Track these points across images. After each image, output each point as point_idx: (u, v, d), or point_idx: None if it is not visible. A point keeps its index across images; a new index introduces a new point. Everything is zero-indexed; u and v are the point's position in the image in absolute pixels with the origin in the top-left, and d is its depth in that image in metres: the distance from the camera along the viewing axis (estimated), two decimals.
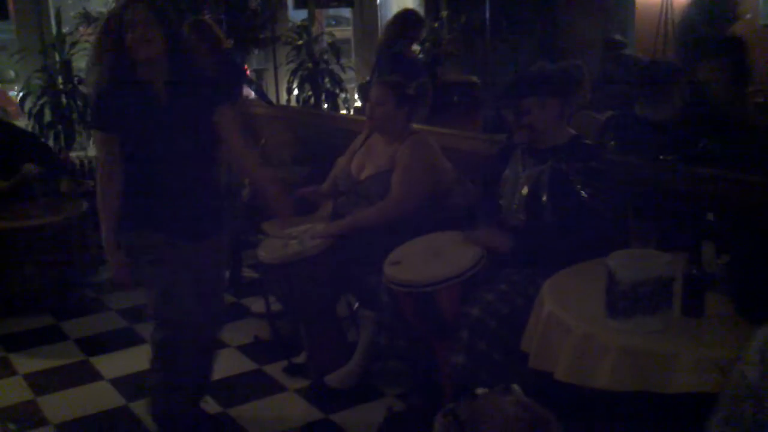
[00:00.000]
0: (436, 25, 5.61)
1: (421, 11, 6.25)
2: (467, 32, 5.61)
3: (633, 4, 6.06)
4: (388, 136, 3.76)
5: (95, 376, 4.01)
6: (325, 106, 6.55)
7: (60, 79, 6.64)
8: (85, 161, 6.34)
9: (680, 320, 2.33)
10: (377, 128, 3.79)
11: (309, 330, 3.76)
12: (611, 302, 2.35)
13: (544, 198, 3.08)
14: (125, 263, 3.06)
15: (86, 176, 5.97)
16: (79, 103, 6.62)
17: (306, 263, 3.48)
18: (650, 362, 2.17)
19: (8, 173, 5.11)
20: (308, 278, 3.49)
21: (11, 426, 3.53)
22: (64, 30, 6.70)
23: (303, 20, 6.71)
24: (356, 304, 3.87)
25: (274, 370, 3.91)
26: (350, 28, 7.54)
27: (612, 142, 3.59)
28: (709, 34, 4.76)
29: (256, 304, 4.39)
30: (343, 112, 6.45)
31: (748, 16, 5.71)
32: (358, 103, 6.57)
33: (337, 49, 6.59)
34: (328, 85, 6.53)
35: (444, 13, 5.72)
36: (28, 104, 6.63)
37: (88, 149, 6.62)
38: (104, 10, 6.46)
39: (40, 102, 6.59)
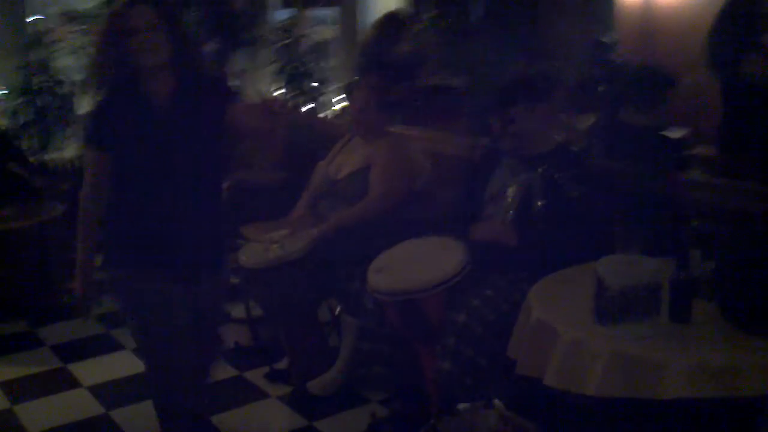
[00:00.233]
0: (419, 28, 5.57)
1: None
2: (451, 35, 5.58)
3: (613, 4, 6.05)
4: (367, 138, 3.77)
5: (73, 383, 3.94)
6: (308, 107, 6.52)
7: (37, 79, 6.54)
8: (61, 163, 6.24)
9: (668, 326, 2.31)
10: (359, 131, 3.79)
11: (291, 335, 3.71)
12: (600, 308, 2.33)
13: (538, 205, 3.05)
14: (91, 295, 2.75)
15: (64, 178, 5.87)
16: (56, 103, 6.52)
17: (288, 267, 3.44)
18: (640, 368, 2.14)
19: None
20: (290, 283, 3.45)
21: None
22: (44, 28, 6.59)
23: (288, 20, 6.67)
24: (338, 310, 3.83)
25: (256, 376, 3.87)
26: (331, 28, 7.51)
27: (596, 148, 3.57)
28: None
29: (236, 310, 4.34)
30: (326, 114, 6.41)
31: None
32: (341, 105, 6.53)
33: (321, 49, 6.56)
34: (311, 86, 6.49)
35: (427, 16, 5.68)
36: (4, 104, 6.52)
37: (64, 150, 6.52)
38: (88, 7, 6.35)
39: (16, 102, 6.49)
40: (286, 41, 6.57)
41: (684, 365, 2.10)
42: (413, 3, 6.02)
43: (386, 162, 3.63)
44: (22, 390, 3.88)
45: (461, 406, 2.46)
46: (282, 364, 3.83)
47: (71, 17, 6.51)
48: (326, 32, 7.50)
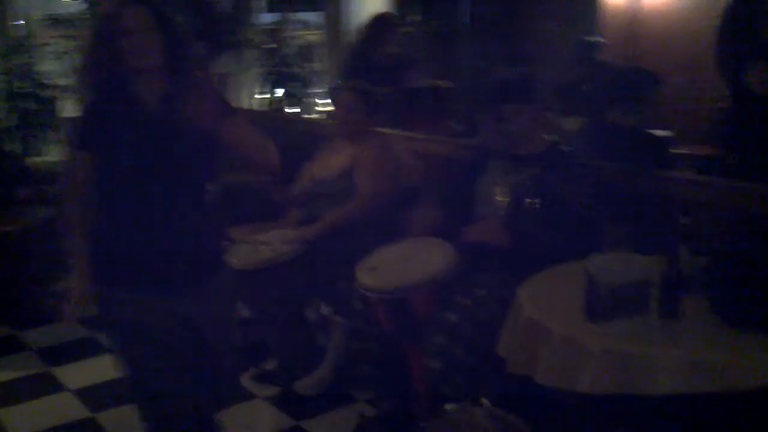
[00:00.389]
0: (405, 30, 5.58)
1: None
2: (438, 37, 5.59)
3: (597, 5, 6.07)
4: (353, 139, 3.80)
5: (58, 386, 3.91)
6: (295, 110, 6.51)
7: (20, 84, 6.49)
8: (44, 167, 6.19)
9: (659, 322, 2.31)
10: (346, 132, 3.80)
11: (278, 336, 3.70)
12: (591, 306, 2.33)
13: (528, 205, 3.05)
14: (84, 301, 2.51)
15: (47, 183, 5.82)
16: (38, 108, 6.47)
17: (279, 269, 3.43)
18: (633, 365, 2.14)
19: None
20: (279, 284, 3.44)
21: None
22: (27, 32, 6.55)
23: (273, 23, 6.66)
24: (326, 310, 3.81)
25: (243, 377, 3.84)
26: (316, 31, 7.51)
27: (584, 149, 3.58)
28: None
29: None
30: (313, 116, 6.40)
31: (713, 21, 5.77)
32: (327, 108, 6.53)
33: (307, 52, 6.56)
34: (298, 89, 6.48)
35: (413, 18, 5.70)
36: None
37: (47, 155, 6.47)
38: (71, 11, 6.31)
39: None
40: (272, 45, 6.56)
41: (675, 361, 2.11)
42: (399, 5, 6.03)
43: (373, 162, 3.64)
44: (6, 394, 3.84)
45: (449, 406, 2.45)
46: (269, 365, 3.81)
47: (54, 22, 6.47)
48: (311, 36, 7.50)
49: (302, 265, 3.48)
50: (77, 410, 3.66)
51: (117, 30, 2.36)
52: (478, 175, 3.26)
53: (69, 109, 5.49)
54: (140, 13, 2.38)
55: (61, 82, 6.44)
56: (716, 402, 2.08)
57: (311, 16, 7.46)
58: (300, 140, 4.95)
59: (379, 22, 5.28)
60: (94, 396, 3.75)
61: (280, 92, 6.55)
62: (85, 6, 5.92)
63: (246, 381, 3.79)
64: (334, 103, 4.00)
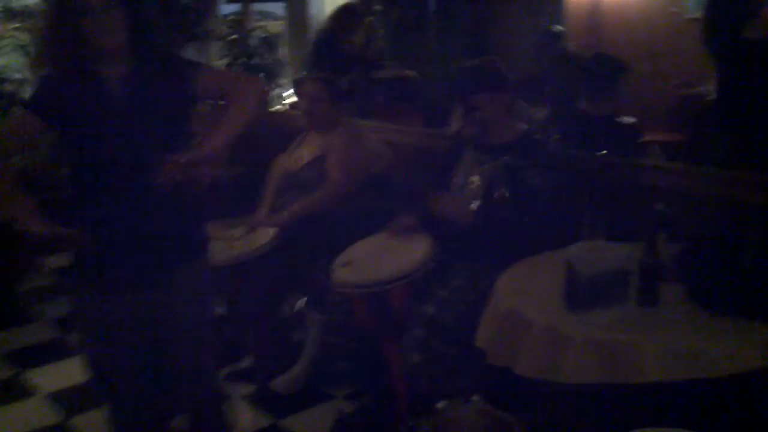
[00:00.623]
0: (371, 19, 5.55)
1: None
2: (403, 26, 5.56)
3: None
4: (323, 129, 3.79)
5: (30, 390, 3.83)
6: None
7: None
8: None
9: (638, 310, 2.33)
10: (313, 122, 3.79)
11: (254, 333, 3.67)
12: (571, 295, 2.35)
13: (501, 193, 3.05)
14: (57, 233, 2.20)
15: None
16: None
17: (254, 264, 3.40)
18: (615, 353, 2.16)
19: None
20: (255, 279, 3.41)
21: None
22: None
23: (235, 14, 6.58)
24: (302, 305, 3.79)
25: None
26: (279, 22, 7.44)
27: (556, 136, 3.59)
28: None
29: None
30: (278, 108, 6.32)
31: (674, 9, 5.82)
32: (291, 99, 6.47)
33: (271, 43, 6.49)
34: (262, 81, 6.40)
35: (379, 7, 5.65)
36: None
37: None
38: (29, 3, 6.16)
39: None
40: (235, 36, 6.47)
41: (656, 349, 2.13)
42: None
43: (342, 149, 3.66)
44: None
45: (440, 404, 2.45)
46: (244, 363, 3.78)
47: (11, 14, 6.31)
48: (274, 26, 7.42)
49: (276, 260, 3.46)
50: (51, 414, 3.59)
51: (78, 7, 2.22)
52: (454, 164, 3.26)
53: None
54: None
55: (19, 76, 6.28)
56: (698, 388, 2.09)
57: (273, 7, 7.39)
58: (264, 134, 4.92)
59: (344, 12, 5.25)
60: (68, 399, 3.68)
61: None
62: None
63: (221, 380, 3.75)
64: (300, 94, 3.98)
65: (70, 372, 3.89)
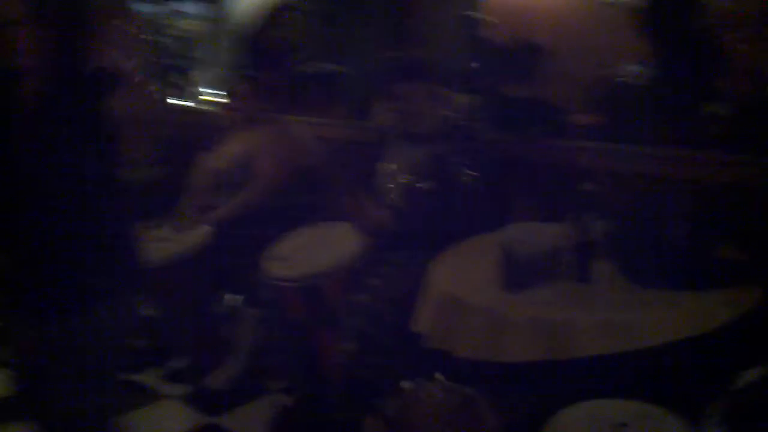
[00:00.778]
0: (292, 15, 5.52)
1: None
2: (326, 20, 5.55)
3: None
4: (251, 125, 3.77)
5: None
6: (177, 101, 6.32)
7: None
8: None
9: (573, 287, 2.39)
10: (241, 119, 3.76)
11: (187, 332, 3.61)
12: (508, 276, 2.38)
13: (426, 182, 3.08)
14: None
15: None
16: None
17: (183, 263, 3.34)
18: (551, 331, 2.20)
19: None
20: (187, 278, 3.36)
21: None
22: None
23: (154, 13, 6.45)
24: (233, 301, 3.74)
25: (151, 377, 3.72)
26: (194, 21, 7.33)
27: (481, 122, 3.64)
28: None
29: None
30: (202, 107, 6.23)
31: None
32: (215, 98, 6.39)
33: (188, 43, 6.39)
34: (180, 80, 6.30)
35: (299, 3, 5.62)
36: None
37: None
38: None
39: None
40: (154, 36, 6.34)
41: (592, 323, 2.18)
42: None
43: (269, 146, 3.65)
44: None
45: (405, 384, 2.46)
46: (178, 363, 3.71)
47: None
48: (190, 25, 7.31)
49: (206, 258, 3.41)
50: None
51: None
52: (380, 155, 3.28)
53: None
54: (15, 3, 2.03)
55: None
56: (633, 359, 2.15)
57: (188, 6, 7.27)
58: (193, 132, 4.84)
59: (268, 8, 5.20)
60: None
61: (164, 84, 6.35)
62: None
63: (154, 381, 3.68)
64: (227, 91, 3.94)
65: None
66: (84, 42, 2.32)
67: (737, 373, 1.87)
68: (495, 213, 2.95)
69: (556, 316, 2.22)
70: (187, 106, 6.18)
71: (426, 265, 2.74)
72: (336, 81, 4.95)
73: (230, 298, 3.72)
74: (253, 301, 3.39)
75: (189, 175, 3.90)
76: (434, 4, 5.60)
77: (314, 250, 3.05)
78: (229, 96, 3.83)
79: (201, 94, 6.50)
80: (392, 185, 3.19)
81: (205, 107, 6.02)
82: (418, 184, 3.11)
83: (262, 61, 4.58)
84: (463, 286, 2.52)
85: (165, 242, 3.42)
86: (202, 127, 4.61)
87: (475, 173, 3.02)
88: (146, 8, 6.79)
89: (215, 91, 6.26)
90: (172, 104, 6.19)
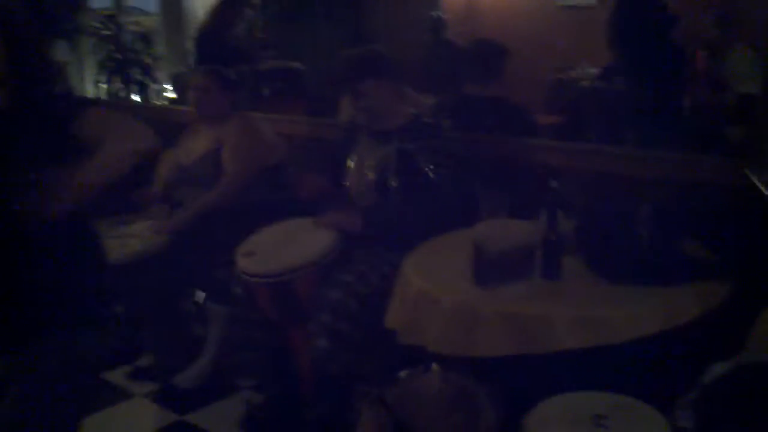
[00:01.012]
0: (251, 10, 5.49)
1: None
2: (284, 17, 5.54)
3: None
4: (214, 121, 3.73)
5: None
6: (137, 98, 6.26)
7: None
8: None
9: (544, 283, 2.43)
10: (203, 114, 3.74)
11: (154, 330, 3.59)
12: (479, 272, 2.42)
13: (393, 179, 3.10)
14: None
15: None
16: None
17: (149, 261, 3.31)
18: (524, 325, 2.25)
19: None
20: (153, 277, 3.33)
21: None
22: None
23: (108, 8, 6.37)
24: (201, 298, 3.73)
25: (117, 376, 3.69)
26: (153, 17, 7.27)
27: (446, 121, 3.67)
28: None
29: None
30: (158, 102, 6.19)
31: None
32: (172, 94, 6.34)
33: (146, 38, 6.32)
34: (139, 77, 6.24)
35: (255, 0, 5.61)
36: None
37: None
38: None
39: None
40: (109, 31, 6.26)
41: (563, 319, 2.23)
42: None
43: (237, 141, 3.62)
44: None
45: (402, 373, 2.47)
46: (145, 361, 3.68)
47: None
48: (148, 21, 7.24)
49: (173, 255, 3.38)
50: None
51: None
52: (347, 152, 3.29)
53: None
54: None
55: None
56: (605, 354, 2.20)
57: (146, 2, 7.21)
58: (155, 128, 4.80)
59: (223, 3, 5.18)
60: None
61: (121, 80, 6.28)
62: None
63: (121, 380, 3.65)
64: (189, 86, 3.90)
65: None
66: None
67: (706, 366, 1.93)
68: (462, 210, 2.98)
69: (526, 311, 2.27)
70: (149, 103, 6.13)
71: (396, 262, 2.77)
72: (295, 78, 4.95)
73: (199, 296, 3.71)
74: (220, 298, 3.37)
75: (149, 172, 3.86)
76: (396, 2, 5.65)
77: (287, 246, 3.05)
78: (192, 90, 3.78)
79: (162, 90, 6.46)
80: (363, 184, 3.20)
81: (165, 103, 5.98)
82: (381, 182, 3.13)
83: (221, 56, 4.55)
84: (435, 281, 2.54)
85: (130, 240, 3.39)
86: (161, 124, 4.57)
87: (441, 170, 3.04)
88: (101, 2, 6.73)
89: (174, 87, 6.23)
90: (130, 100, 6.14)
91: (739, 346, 2.00)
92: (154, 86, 6.40)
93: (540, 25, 5.91)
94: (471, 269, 2.45)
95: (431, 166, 3.05)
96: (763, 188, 2.38)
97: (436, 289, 2.49)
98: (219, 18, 4.98)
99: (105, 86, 6.36)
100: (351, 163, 3.27)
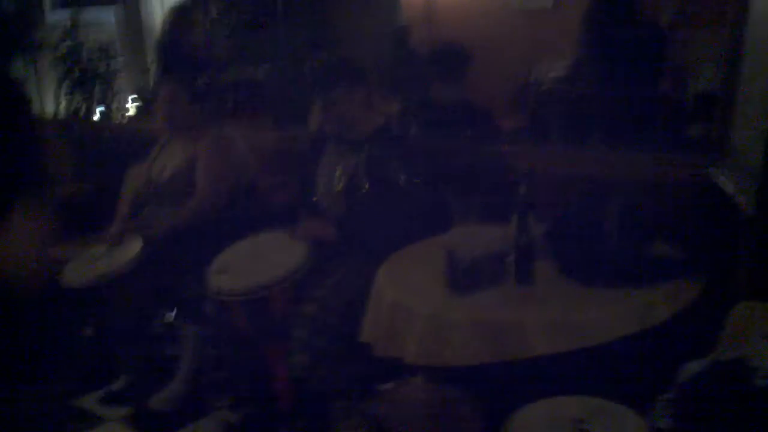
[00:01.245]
0: (211, 20, 5.44)
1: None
2: (248, 27, 5.49)
3: None
4: (185, 135, 3.64)
5: None
6: (100, 110, 6.16)
7: None
8: None
9: (517, 288, 2.43)
10: (172, 127, 3.65)
11: (125, 352, 3.53)
12: (453, 280, 2.41)
13: (364, 187, 3.08)
14: None
15: None
16: None
17: (119, 282, 3.26)
18: (499, 332, 2.25)
19: None
20: (122, 297, 3.28)
21: None
22: None
23: (64, 21, 6.25)
24: (173, 318, 3.68)
25: (89, 401, 3.62)
26: (110, 28, 7.16)
27: (413, 127, 3.68)
28: None
29: None
30: (120, 117, 6.09)
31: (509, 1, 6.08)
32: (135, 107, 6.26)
33: (106, 51, 6.21)
34: (99, 93, 6.13)
35: (218, 8, 5.54)
36: None
37: None
38: None
39: None
40: (67, 44, 6.14)
41: (538, 324, 2.23)
42: None
43: (210, 158, 3.53)
44: None
45: (383, 386, 2.46)
46: (118, 385, 3.62)
47: None
48: (105, 33, 7.13)
49: (144, 275, 3.33)
50: None
51: None
52: (315, 162, 3.27)
53: None
54: None
55: None
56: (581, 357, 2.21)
57: (105, 15, 7.10)
58: (113, 147, 4.75)
59: (174, 12, 5.09)
60: None
61: (82, 94, 6.16)
62: None
63: (93, 405, 3.58)
64: (155, 99, 3.82)
65: None
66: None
67: (681, 365, 1.94)
68: (434, 217, 2.98)
69: (500, 317, 2.27)
70: (111, 117, 6.04)
71: (369, 273, 2.76)
72: (258, 89, 4.91)
73: (170, 315, 3.66)
74: (193, 317, 3.33)
75: (113, 190, 3.79)
76: (357, 11, 5.65)
77: (259, 262, 3.01)
78: (160, 103, 3.69)
79: (123, 105, 6.36)
80: (334, 193, 3.19)
81: (126, 119, 5.90)
82: (351, 190, 3.12)
83: (181, 67, 4.48)
84: (409, 291, 2.53)
85: (99, 260, 3.34)
86: (124, 140, 4.52)
87: (411, 177, 3.03)
88: (58, 15, 6.60)
89: (139, 99, 6.15)
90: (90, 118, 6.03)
91: (712, 343, 2.02)
92: (117, 98, 6.29)
93: (501, 28, 5.94)
94: (444, 277, 2.45)
95: (402, 174, 3.04)
96: (724, 187, 2.41)
97: (410, 299, 2.48)
98: (170, 27, 4.90)
99: (64, 102, 6.25)
100: (322, 172, 3.25)
